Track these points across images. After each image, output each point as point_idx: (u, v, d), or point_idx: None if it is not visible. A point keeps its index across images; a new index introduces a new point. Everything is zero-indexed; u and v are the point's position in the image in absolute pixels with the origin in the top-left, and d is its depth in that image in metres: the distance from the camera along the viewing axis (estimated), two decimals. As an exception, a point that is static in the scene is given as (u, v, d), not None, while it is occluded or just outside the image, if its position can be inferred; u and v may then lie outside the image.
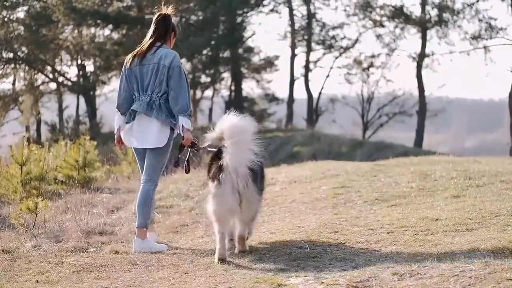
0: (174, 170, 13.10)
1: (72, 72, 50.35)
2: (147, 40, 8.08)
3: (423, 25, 45.05)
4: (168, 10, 8.11)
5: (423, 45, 45.59)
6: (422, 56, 45.63)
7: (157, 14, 8.14)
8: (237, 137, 7.03)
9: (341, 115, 51.74)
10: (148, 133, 7.90)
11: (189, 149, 7.99)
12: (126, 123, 8.07)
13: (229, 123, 7.16)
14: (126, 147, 8.50)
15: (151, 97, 7.91)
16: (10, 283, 6.58)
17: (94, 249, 8.00)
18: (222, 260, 6.98)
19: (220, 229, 7.12)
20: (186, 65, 47.98)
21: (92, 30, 47.21)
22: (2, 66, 46.76)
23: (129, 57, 8.09)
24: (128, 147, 8.51)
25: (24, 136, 12.04)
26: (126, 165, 15.99)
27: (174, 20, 8.26)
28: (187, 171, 8.30)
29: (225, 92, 53.16)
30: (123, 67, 8.16)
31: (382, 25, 47.66)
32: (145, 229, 7.86)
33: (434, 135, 72.14)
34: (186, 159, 8.07)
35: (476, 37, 44.58)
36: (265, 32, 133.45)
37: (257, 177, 7.24)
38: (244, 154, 7.03)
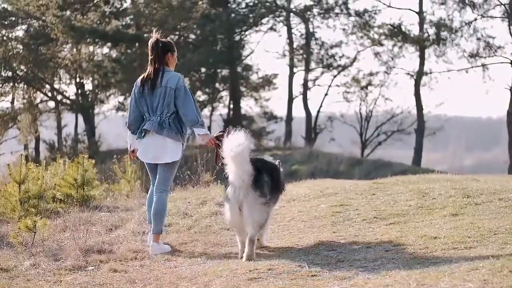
0: (173, 188, 13.09)
1: (70, 91, 50.43)
2: (150, 67, 8.89)
3: (421, 44, 45.16)
4: (157, 34, 8.91)
5: (421, 63, 45.69)
6: (420, 74, 45.72)
7: (149, 42, 8.97)
8: (232, 153, 7.74)
9: (340, 133, 51.77)
10: (163, 149, 8.77)
11: (216, 148, 8.70)
12: (137, 139, 8.99)
13: (226, 142, 7.89)
14: (138, 159, 9.22)
15: (161, 117, 8.76)
16: (8, 301, 6.58)
17: (93, 267, 7.99)
18: (249, 259, 7.75)
19: (240, 238, 8.15)
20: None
21: (91, 48, 47.33)
22: (0, 85, 46.83)
23: (138, 83, 8.92)
24: (141, 160, 9.21)
25: (22, 155, 12.04)
26: (125, 183, 15.97)
27: (169, 38, 8.99)
28: (217, 164, 8.84)
29: (223, 110, 53.18)
30: (133, 90, 9.01)
31: (380, 44, 47.77)
32: (160, 234, 8.83)
33: (432, 153, 72.10)
34: (216, 155, 8.76)
35: (474, 55, 44.69)
36: (264, 50, 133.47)
37: (262, 185, 7.96)
38: (242, 169, 7.77)
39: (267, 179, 8.06)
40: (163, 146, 8.76)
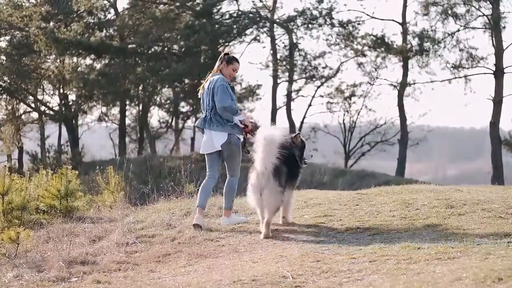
0: (155, 199, 13.07)
1: (54, 102, 50.23)
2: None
3: (404, 54, 45.33)
4: (227, 49, 10.87)
5: (405, 74, 45.87)
6: (403, 85, 45.88)
7: None
8: (265, 144, 9.19)
9: (323, 144, 51.83)
10: (211, 141, 10.49)
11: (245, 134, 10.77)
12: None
13: (261, 133, 9.36)
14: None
15: (206, 114, 10.51)
16: (-9, 313, 6.54)
17: (76, 279, 7.96)
18: (267, 238, 9.38)
19: (260, 214, 9.61)
20: (167, 93, 48.09)
21: (75, 59, 47.18)
22: (-17, 96, 46.67)
23: (202, 85, 10.69)
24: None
25: (5, 166, 11.99)
26: (108, 195, 15.89)
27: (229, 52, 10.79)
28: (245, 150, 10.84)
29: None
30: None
31: (363, 54, 47.94)
32: (230, 210, 10.58)
33: (415, 164, 72.29)
34: (242, 142, 10.78)
35: (457, 66, 44.87)
36: (248, 61, 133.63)
37: (281, 175, 9.35)
38: (268, 158, 9.19)
39: (285, 170, 9.43)
40: (211, 139, 10.45)
